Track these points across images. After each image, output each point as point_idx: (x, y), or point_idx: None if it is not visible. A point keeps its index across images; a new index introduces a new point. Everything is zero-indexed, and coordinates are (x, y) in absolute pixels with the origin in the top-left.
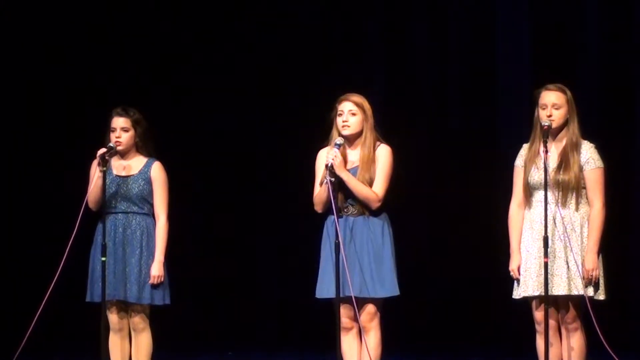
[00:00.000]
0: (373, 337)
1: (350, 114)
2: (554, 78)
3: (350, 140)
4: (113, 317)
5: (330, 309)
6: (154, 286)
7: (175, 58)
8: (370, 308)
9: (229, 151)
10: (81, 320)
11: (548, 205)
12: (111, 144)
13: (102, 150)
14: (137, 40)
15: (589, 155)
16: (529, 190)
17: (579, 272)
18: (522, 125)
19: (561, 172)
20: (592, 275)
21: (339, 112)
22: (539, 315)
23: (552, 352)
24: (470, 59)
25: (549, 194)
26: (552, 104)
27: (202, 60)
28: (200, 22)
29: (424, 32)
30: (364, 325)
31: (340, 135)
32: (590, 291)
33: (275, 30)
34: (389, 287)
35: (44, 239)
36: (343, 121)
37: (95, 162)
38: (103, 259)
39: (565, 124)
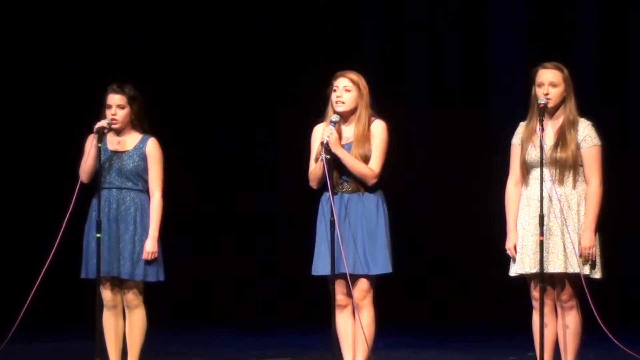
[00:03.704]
0: (366, 315)
1: (345, 90)
2: (549, 55)
3: (345, 116)
4: (107, 294)
5: (326, 286)
6: (148, 263)
7: (172, 40)
8: (362, 284)
9: (226, 131)
10: (76, 297)
11: (545, 183)
12: (108, 121)
13: (100, 124)
14: (138, 23)
15: (586, 133)
16: (526, 168)
17: (576, 250)
18: (517, 103)
19: (558, 150)
20: (589, 253)
21: (334, 88)
22: (536, 292)
23: (547, 330)
24: (465, 37)
25: (546, 171)
26: (549, 82)
27: (200, 43)
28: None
29: (418, 10)
30: (357, 303)
31: (334, 111)
32: (586, 269)
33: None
34: (382, 265)
35: (39, 215)
36: (337, 97)
37: (91, 136)
38: (98, 235)
39: (562, 102)
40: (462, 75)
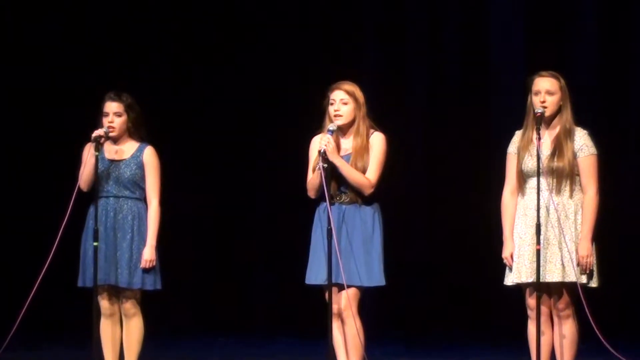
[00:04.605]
0: (351, 327)
1: (342, 102)
2: (546, 64)
3: (343, 129)
4: (104, 302)
5: (322, 295)
6: (145, 271)
7: (172, 43)
8: (348, 292)
9: (224, 137)
10: (73, 305)
11: (542, 193)
12: (105, 129)
13: (97, 132)
14: (137, 24)
15: (582, 142)
16: (522, 178)
17: (573, 259)
18: (515, 111)
19: (555, 159)
20: (586, 262)
21: (330, 101)
22: (531, 301)
23: (543, 339)
24: (463, 44)
25: (543, 181)
26: (546, 90)
27: (199, 45)
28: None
29: (416, 13)
30: (342, 312)
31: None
32: (583, 278)
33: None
34: (376, 277)
35: (35, 223)
36: (335, 110)
37: (88, 145)
38: (95, 244)
39: (558, 111)
40: (461, 77)
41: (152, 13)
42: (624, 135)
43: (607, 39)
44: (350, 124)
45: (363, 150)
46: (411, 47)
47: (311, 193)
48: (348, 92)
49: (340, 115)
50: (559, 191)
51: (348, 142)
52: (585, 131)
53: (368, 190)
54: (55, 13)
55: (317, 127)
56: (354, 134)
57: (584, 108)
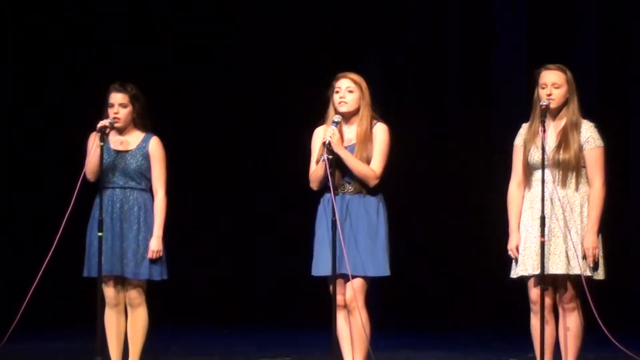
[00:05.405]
0: (357, 318)
1: (348, 90)
2: (550, 57)
3: (347, 117)
4: (109, 292)
5: (326, 286)
6: (152, 261)
7: (172, 35)
8: (354, 284)
9: (225, 135)
10: (78, 295)
11: (548, 185)
12: (110, 120)
13: (102, 122)
14: (137, 17)
15: (588, 135)
16: (529, 170)
17: (577, 251)
18: (518, 104)
19: (561, 152)
20: (592, 255)
21: (336, 89)
22: (534, 294)
23: (547, 331)
24: (464, 43)
25: (549, 173)
26: (552, 83)
27: (200, 43)
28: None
29: (419, 10)
30: (348, 303)
31: (336, 112)
32: (588, 271)
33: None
34: (381, 267)
35: (41, 213)
36: (340, 97)
37: (93, 134)
38: (100, 234)
39: (565, 104)
40: (462, 75)
41: (153, 11)
42: (626, 132)
43: (608, 39)
44: (354, 112)
45: (366, 139)
46: (411, 46)
47: (313, 184)
48: (355, 81)
49: (345, 103)
50: (564, 184)
51: (351, 132)
52: (591, 123)
53: (373, 182)
54: (56, 9)
55: (318, 124)
56: (357, 123)
57: (586, 107)
